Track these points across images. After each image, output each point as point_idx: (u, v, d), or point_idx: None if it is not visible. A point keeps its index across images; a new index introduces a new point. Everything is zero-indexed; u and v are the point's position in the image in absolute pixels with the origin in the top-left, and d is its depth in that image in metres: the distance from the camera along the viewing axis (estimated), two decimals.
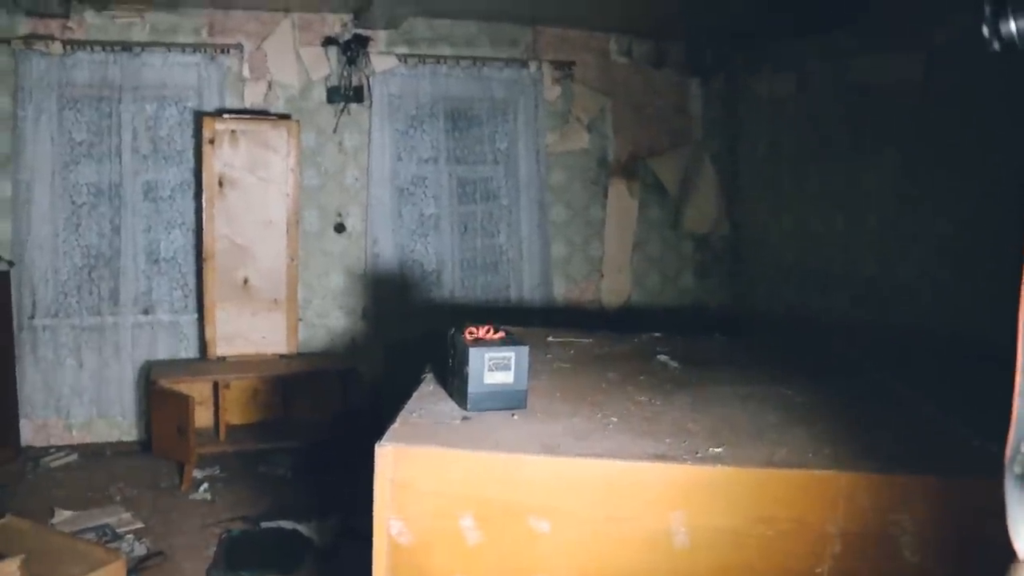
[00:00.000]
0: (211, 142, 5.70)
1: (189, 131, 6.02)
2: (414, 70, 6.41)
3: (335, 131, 6.30)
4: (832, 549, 1.93)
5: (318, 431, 5.58)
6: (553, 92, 6.77)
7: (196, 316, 6.04)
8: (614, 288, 7.08)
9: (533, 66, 6.67)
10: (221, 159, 5.75)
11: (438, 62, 6.45)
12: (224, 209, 5.78)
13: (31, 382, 5.76)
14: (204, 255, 5.79)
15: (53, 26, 5.67)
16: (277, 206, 5.92)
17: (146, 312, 6.00)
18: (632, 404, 2.51)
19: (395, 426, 2.21)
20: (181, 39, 5.93)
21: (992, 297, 4.92)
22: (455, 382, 2.46)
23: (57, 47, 5.64)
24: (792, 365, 3.09)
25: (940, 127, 5.28)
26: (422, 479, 2.05)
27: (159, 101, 5.98)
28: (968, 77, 5.00)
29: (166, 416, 5.27)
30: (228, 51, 6.00)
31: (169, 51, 5.89)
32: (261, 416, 5.82)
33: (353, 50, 6.17)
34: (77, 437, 5.90)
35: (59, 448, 5.77)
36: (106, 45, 5.75)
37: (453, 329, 2.54)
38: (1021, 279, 1.15)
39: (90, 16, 5.75)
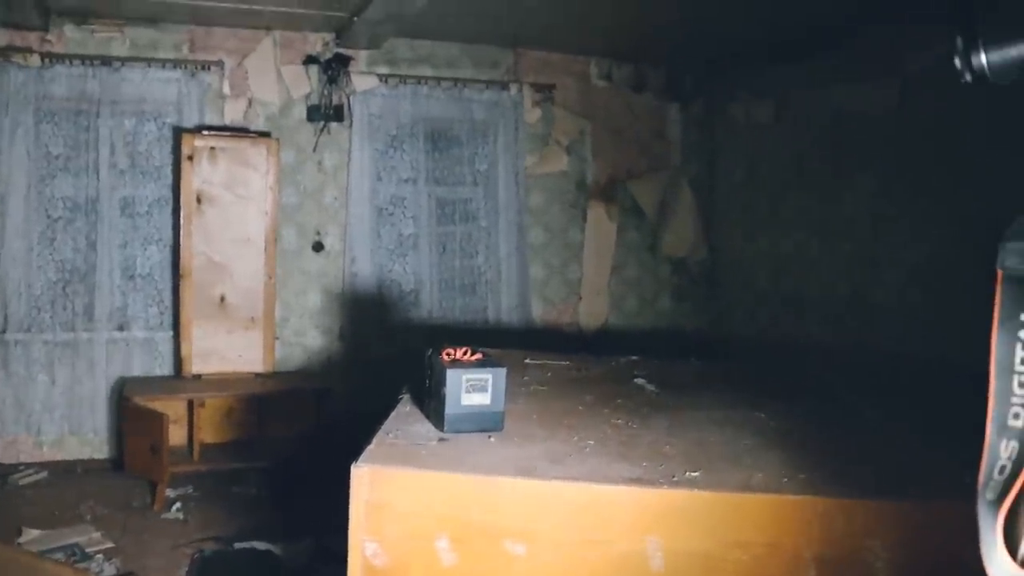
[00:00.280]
0: (190, 158, 5.68)
1: (168, 147, 5.99)
2: (395, 90, 6.42)
3: (315, 150, 6.29)
4: (807, 574, 1.93)
5: (293, 451, 5.54)
6: (533, 115, 6.80)
7: (171, 333, 6.00)
8: (592, 311, 7.10)
9: (514, 88, 6.71)
10: (200, 176, 5.73)
11: (419, 83, 6.47)
12: (202, 226, 5.75)
13: (1, 397, 5.69)
14: (181, 272, 5.75)
15: (31, 38, 5.65)
16: (255, 224, 5.89)
17: (121, 328, 5.95)
18: (609, 427, 2.51)
19: (371, 447, 2.20)
20: (161, 55, 5.92)
21: (965, 322, 4.96)
22: (432, 403, 2.45)
23: (35, 60, 5.62)
24: (767, 389, 3.10)
25: (914, 154, 5.35)
26: (398, 500, 2.04)
27: (138, 116, 5.96)
28: (942, 105, 5.08)
29: (139, 434, 5.22)
30: (209, 68, 6.00)
31: (149, 66, 5.88)
32: (236, 435, 5.77)
33: (334, 69, 6.18)
34: (48, 454, 5.82)
35: (29, 465, 5.69)
36: (85, 59, 5.73)
37: (430, 350, 2.53)
38: (994, 304, 1.16)
39: (69, 30, 5.73)
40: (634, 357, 3.69)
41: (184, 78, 5.95)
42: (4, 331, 5.66)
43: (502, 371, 2.39)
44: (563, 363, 3.47)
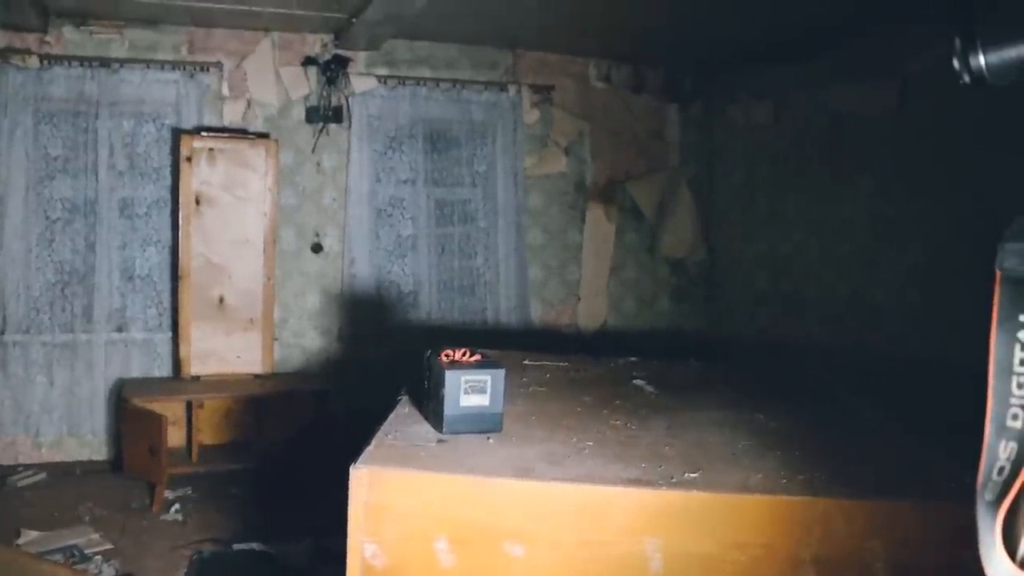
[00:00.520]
0: (189, 160, 5.68)
1: (166, 148, 5.99)
2: (394, 91, 6.42)
3: (313, 151, 6.29)
4: (806, 575, 1.93)
5: (292, 452, 5.53)
6: (532, 116, 6.80)
7: (170, 334, 6.00)
8: (591, 312, 7.10)
9: (512, 89, 6.71)
10: (198, 177, 5.72)
11: (418, 84, 6.48)
12: (200, 227, 5.75)
13: (0, 399, 5.68)
14: (180, 273, 5.75)
15: (30, 40, 5.64)
16: (254, 225, 5.89)
17: (119, 329, 5.95)
18: (607, 428, 2.51)
19: (370, 448, 2.20)
20: (160, 56, 5.92)
21: (964, 322, 4.97)
22: (431, 404, 2.45)
23: (34, 61, 5.62)
24: (767, 390, 3.10)
25: (913, 155, 5.36)
26: (397, 502, 2.04)
27: (137, 117, 5.96)
28: (940, 106, 5.08)
29: (138, 435, 5.22)
30: (208, 69, 6.00)
31: (148, 68, 5.88)
32: (235, 436, 5.77)
33: (333, 70, 6.18)
34: (46, 455, 5.82)
35: (27, 466, 5.69)
36: (84, 60, 5.73)
37: (429, 351, 2.53)
38: (992, 304, 1.16)
39: (68, 31, 5.73)
40: (633, 358, 3.69)
41: (183, 79, 5.95)
42: (3, 332, 5.66)
43: (501, 372, 2.39)
44: (562, 364, 3.47)
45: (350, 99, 6.30)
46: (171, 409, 5.43)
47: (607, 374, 3.34)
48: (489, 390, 2.36)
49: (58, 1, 5.38)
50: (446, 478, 2.05)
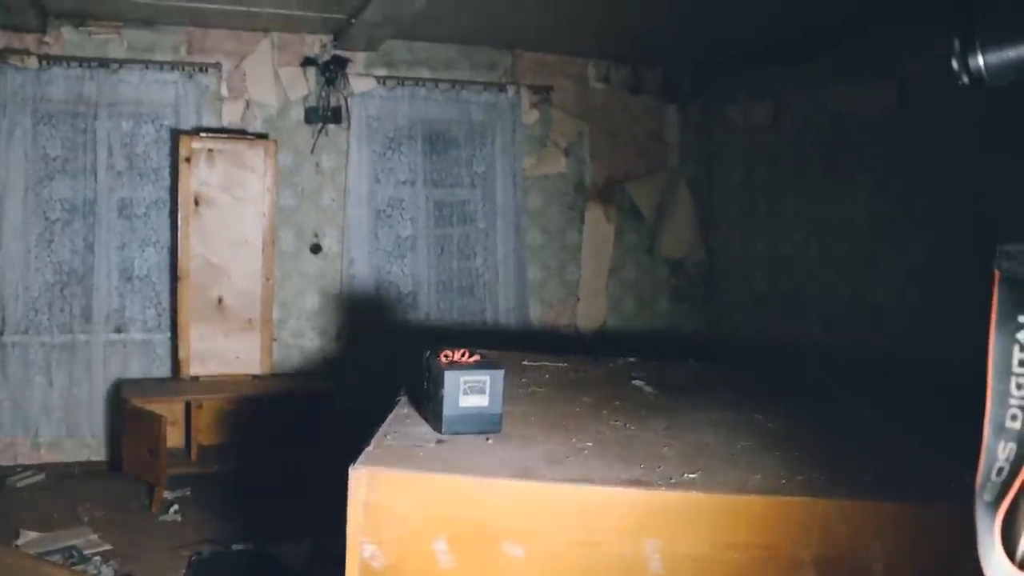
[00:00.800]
0: (187, 160, 5.68)
1: (165, 149, 5.99)
2: (393, 92, 6.42)
3: (312, 151, 6.29)
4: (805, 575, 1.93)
5: (291, 452, 5.54)
6: (531, 116, 6.80)
7: (169, 335, 5.99)
8: (590, 312, 7.10)
9: (511, 90, 6.71)
10: (197, 178, 5.73)
11: (417, 85, 6.47)
12: (199, 228, 5.75)
13: None
14: (179, 274, 5.75)
15: (29, 40, 5.64)
16: (253, 226, 5.89)
17: (118, 330, 5.95)
18: (607, 429, 2.51)
19: (369, 449, 2.20)
20: (159, 56, 5.92)
21: (963, 322, 4.97)
22: (430, 405, 2.45)
23: (33, 61, 5.62)
24: (766, 390, 3.10)
25: (912, 155, 5.36)
26: (396, 502, 2.04)
27: (135, 118, 5.96)
28: (940, 107, 5.09)
29: (137, 436, 5.21)
30: (206, 69, 6.00)
31: (147, 68, 5.87)
32: (233, 437, 5.77)
33: (332, 71, 6.18)
34: (45, 456, 5.82)
35: (26, 467, 5.69)
36: (83, 61, 5.73)
37: (428, 352, 2.53)
38: (991, 305, 1.16)
39: (67, 31, 5.73)
40: (632, 359, 3.69)
41: (182, 80, 5.95)
42: (1, 333, 5.66)
43: (500, 373, 2.39)
44: (561, 365, 3.47)
45: (349, 100, 6.30)
46: (170, 410, 5.42)
47: (606, 374, 3.34)
48: (488, 391, 2.36)
49: (57, 2, 5.38)
50: (445, 479, 2.05)
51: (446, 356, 2.45)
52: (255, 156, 5.87)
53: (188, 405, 5.55)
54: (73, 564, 4.21)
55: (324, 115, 6.23)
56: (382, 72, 6.41)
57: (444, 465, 2.12)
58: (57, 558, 4.28)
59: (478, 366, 2.41)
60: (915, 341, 5.34)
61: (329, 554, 4.15)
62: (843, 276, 5.96)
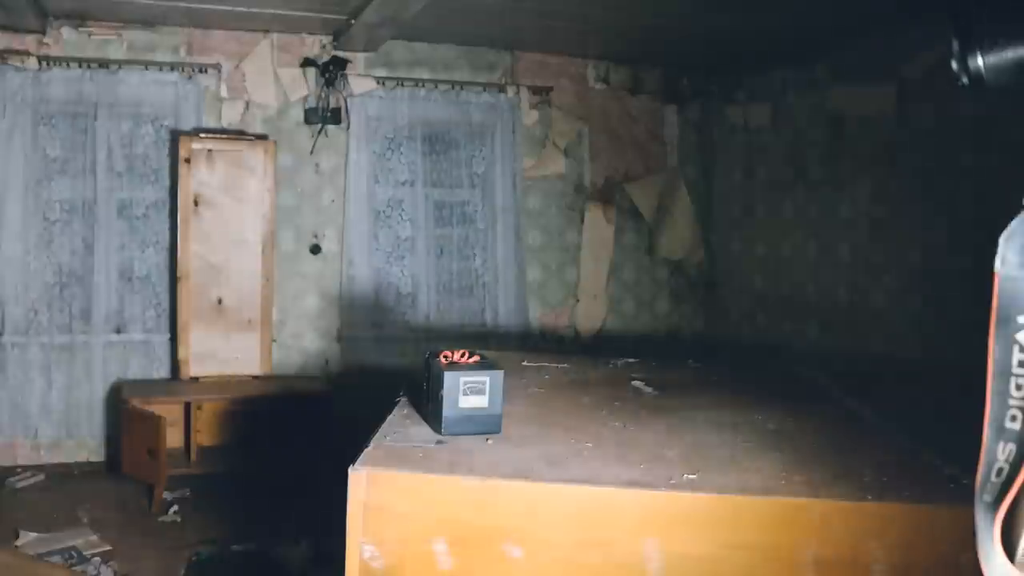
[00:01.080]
0: (187, 161, 5.68)
1: (165, 150, 5.99)
2: (392, 93, 6.42)
3: (312, 152, 6.29)
4: None
5: (290, 453, 5.53)
6: (531, 117, 6.80)
7: (168, 336, 5.99)
8: (589, 313, 7.09)
9: (511, 91, 6.71)
10: (197, 178, 5.72)
11: (416, 85, 6.47)
12: (199, 228, 5.75)
13: None
14: (178, 274, 5.75)
15: (28, 41, 5.64)
16: (253, 226, 5.89)
17: (118, 331, 5.94)
18: (606, 430, 2.51)
19: (369, 449, 2.20)
20: (159, 57, 5.92)
21: (962, 324, 4.98)
22: (430, 406, 2.45)
23: (32, 62, 5.62)
24: (765, 392, 3.10)
25: (912, 158, 5.36)
26: (395, 503, 2.04)
27: (135, 119, 5.95)
28: (939, 109, 5.09)
29: (137, 437, 5.21)
30: (206, 70, 6.00)
31: (146, 69, 5.87)
32: (233, 438, 5.76)
33: (332, 72, 6.18)
34: (45, 457, 5.81)
35: (26, 468, 5.68)
36: (82, 62, 5.73)
37: (428, 352, 2.53)
38: (991, 307, 1.16)
39: (67, 32, 5.73)
40: (632, 359, 3.69)
41: (181, 81, 5.95)
42: (1, 334, 5.65)
43: (499, 373, 2.39)
44: (561, 365, 3.47)
45: (349, 100, 6.30)
46: (169, 410, 5.42)
47: (606, 375, 3.34)
48: (488, 391, 2.37)
49: (57, 2, 5.38)
50: (445, 479, 2.06)
51: (446, 357, 2.45)
52: (255, 157, 5.86)
53: (188, 406, 5.54)
54: (73, 565, 4.21)
55: (324, 116, 6.23)
56: (382, 73, 6.41)
57: (444, 466, 2.12)
58: (57, 559, 4.28)
59: (478, 367, 2.41)
60: (914, 342, 5.34)
61: (329, 555, 4.15)
62: (842, 277, 5.96)
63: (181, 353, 5.77)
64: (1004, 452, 1.15)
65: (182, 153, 5.68)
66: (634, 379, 3.24)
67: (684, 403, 2.89)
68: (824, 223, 6.12)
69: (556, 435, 2.43)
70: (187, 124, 5.94)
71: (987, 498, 1.16)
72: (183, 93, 5.95)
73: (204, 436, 5.65)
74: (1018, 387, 1.14)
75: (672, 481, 2.05)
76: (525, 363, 3.45)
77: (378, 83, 6.37)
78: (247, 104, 6.14)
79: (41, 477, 5.60)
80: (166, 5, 5.39)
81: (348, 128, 6.32)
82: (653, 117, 7.21)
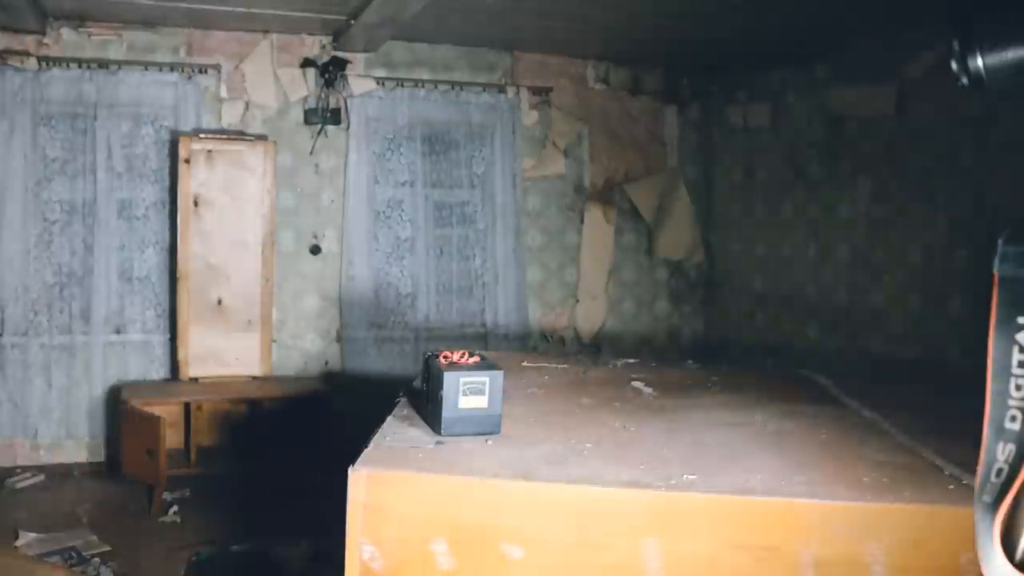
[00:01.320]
0: (187, 162, 5.68)
1: (165, 150, 5.99)
2: (392, 93, 6.42)
3: (312, 153, 6.29)
4: None
5: (290, 454, 5.53)
6: (530, 117, 6.80)
7: (168, 336, 5.99)
8: (589, 314, 7.09)
9: (511, 91, 6.71)
10: (197, 179, 5.73)
11: (416, 86, 6.48)
12: (199, 229, 5.75)
13: None
14: (178, 275, 5.75)
15: (28, 42, 5.64)
16: (252, 227, 5.89)
17: (117, 331, 5.94)
18: (606, 430, 2.51)
19: (368, 450, 2.20)
20: (159, 58, 5.92)
21: (962, 325, 4.98)
22: (429, 406, 2.45)
23: (32, 63, 5.62)
24: (765, 392, 3.10)
25: (912, 158, 5.36)
26: (395, 504, 2.04)
27: (135, 119, 5.96)
28: (938, 110, 5.09)
29: (136, 437, 5.21)
30: (206, 71, 6.00)
31: (146, 70, 5.88)
32: (233, 438, 5.76)
33: (331, 72, 6.18)
34: (44, 457, 5.81)
35: (25, 468, 5.68)
36: (82, 62, 5.73)
37: (428, 353, 2.53)
38: (990, 307, 1.17)
39: (66, 33, 5.73)
40: (631, 360, 3.69)
41: (181, 81, 5.95)
42: (1, 334, 5.65)
43: (499, 374, 2.39)
44: (560, 366, 3.47)
45: (348, 101, 6.30)
46: (169, 411, 5.42)
47: (605, 376, 3.34)
48: (488, 392, 2.36)
49: (57, 3, 5.38)
50: (445, 480, 2.05)
51: (445, 357, 2.45)
52: (254, 157, 5.87)
53: (187, 406, 5.54)
54: (72, 565, 4.21)
55: (323, 116, 6.23)
56: (381, 73, 6.41)
57: (443, 466, 2.12)
58: (56, 559, 4.28)
59: (477, 367, 2.40)
60: (914, 343, 5.34)
61: (328, 555, 4.15)
62: (842, 278, 5.96)
63: (181, 354, 5.77)
64: (1004, 452, 1.15)
65: (182, 153, 5.68)
66: (634, 379, 3.24)
67: (684, 403, 2.89)
68: (824, 223, 6.12)
69: (556, 435, 2.43)
70: (187, 124, 5.94)
71: (987, 498, 1.16)
72: (183, 93, 5.95)
73: (204, 437, 5.65)
74: (1018, 387, 1.14)
75: (672, 481, 2.05)
76: (525, 363, 3.45)
77: (378, 83, 6.37)
78: (247, 104, 6.14)
79: (41, 478, 5.60)
80: (166, 6, 5.39)
81: (348, 128, 6.32)
82: (653, 117, 7.21)
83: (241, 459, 5.57)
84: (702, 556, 1.95)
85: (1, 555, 3.76)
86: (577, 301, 7.08)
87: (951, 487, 2.05)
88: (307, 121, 6.25)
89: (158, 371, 6.02)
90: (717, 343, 7.27)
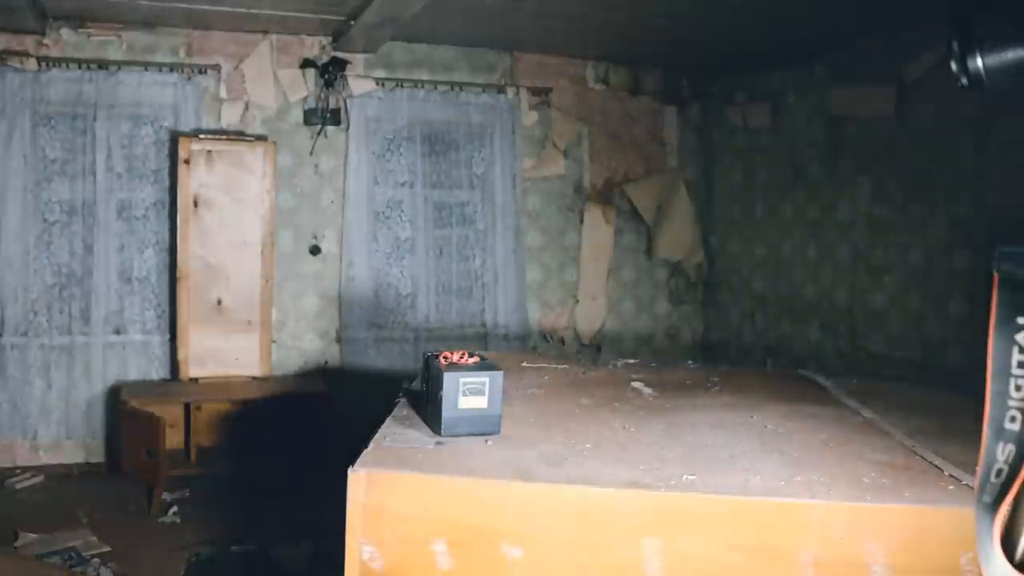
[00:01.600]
0: (187, 162, 5.68)
1: (164, 151, 5.99)
2: (392, 94, 6.42)
3: (311, 153, 6.29)
4: None
5: (290, 454, 5.53)
6: (530, 118, 6.80)
7: (168, 336, 5.99)
8: (589, 314, 7.09)
9: (510, 92, 6.71)
10: (197, 179, 5.73)
11: (416, 86, 6.47)
12: (199, 229, 5.75)
13: None
14: (178, 275, 5.75)
15: (28, 42, 5.64)
16: (252, 227, 5.89)
17: (117, 332, 5.94)
18: (606, 430, 2.51)
19: (368, 450, 2.20)
20: (158, 58, 5.92)
21: (962, 325, 4.98)
22: (429, 407, 2.45)
23: (32, 63, 5.62)
24: (765, 392, 3.10)
25: (911, 159, 5.37)
26: (395, 504, 2.04)
27: (134, 120, 5.95)
28: (938, 110, 5.09)
29: (136, 438, 5.21)
30: (206, 71, 6.00)
31: (146, 70, 5.87)
32: (232, 438, 5.76)
33: (331, 73, 6.18)
34: (44, 458, 5.81)
35: (25, 469, 5.68)
36: (82, 63, 5.73)
37: (428, 353, 2.53)
38: (990, 307, 1.17)
39: (66, 33, 5.73)
40: (631, 360, 3.69)
41: (181, 82, 5.95)
42: (0, 335, 5.65)
43: (499, 374, 2.39)
44: (560, 366, 3.47)
45: (348, 101, 6.30)
46: (169, 411, 5.41)
47: (605, 376, 3.34)
48: (487, 392, 2.36)
49: (56, 3, 5.38)
50: (444, 480, 2.05)
51: (445, 357, 2.45)
52: (254, 158, 5.87)
53: (187, 407, 5.54)
54: (72, 566, 4.21)
55: (323, 117, 6.23)
56: (381, 74, 6.41)
57: (443, 467, 2.12)
58: (56, 560, 4.28)
59: (477, 368, 2.41)
60: (914, 342, 5.34)
61: (328, 556, 4.15)
62: (841, 278, 5.96)
63: (180, 354, 5.77)
64: (1003, 453, 1.15)
65: (182, 154, 5.68)
66: (633, 380, 3.24)
67: (684, 403, 2.89)
68: (823, 224, 6.12)
69: (555, 436, 2.43)
70: (187, 125, 5.94)
71: (987, 499, 1.16)
72: (183, 94, 5.95)
73: (203, 437, 5.65)
74: (1017, 388, 1.14)
75: (672, 482, 2.05)
76: (524, 364, 3.45)
77: (377, 84, 6.37)
78: (247, 105, 6.14)
79: (40, 478, 5.59)
80: (166, 6, 5.39)
81: (347, 129, 6.32)
82: (653, 118, 7.21)
83: (241, 459, 5.57)
84: (702, 556, 1.95)
85: (1, 556, 3.76)
86: (577, 301, 7.08)
87: (951, 487, 2.05)
88: (307, 122, 6.25)
89: (158, 371, 6.02)
90: (717, 343, 7.27)
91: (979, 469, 1.18)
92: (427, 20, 5.51)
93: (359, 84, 6.32)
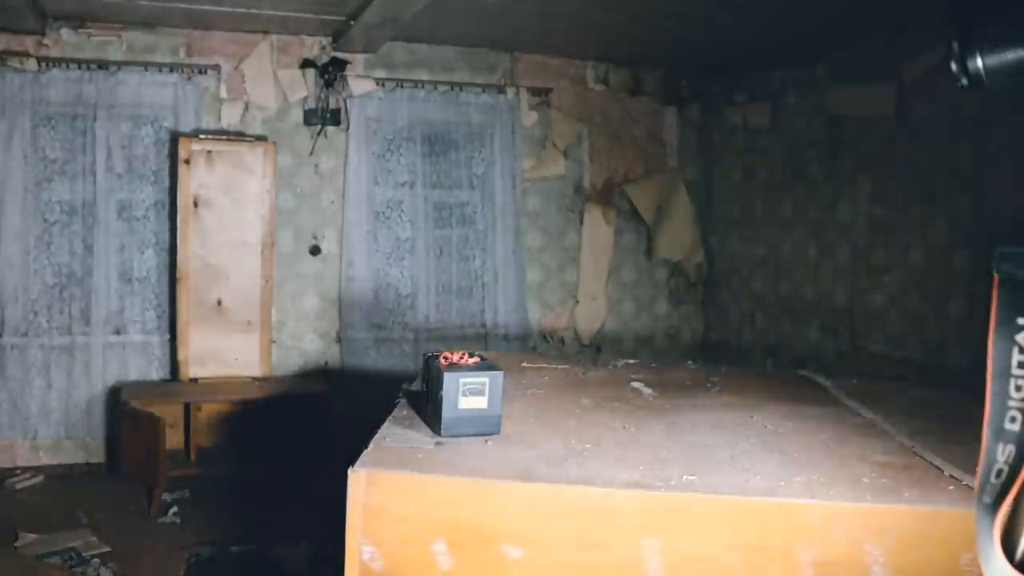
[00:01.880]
0: (187, 162, 5.68)
1: (164, 151, 5.99)
2: (392, 94, 6.42)
3: (311, 153, 6.29)
4: None
5: (290, 454, 5.53)
6: (530, 118, 6.80)
7: (168, 337, 5.99)
8: (589, 314, 7.09)
9: (510, 92, 6.71)
10: (197, 179, 5.73)
11: (416, 86, 6.47)
12: (199, 230, 5.75)
13: None
14: (178, 275, 5.75)
15: (28, 43, 5.64)
16: (252, 227, 5.89)
17: (117, 332, 5.94)
18: (606, 431, 2.51)
19: (368, 451, 2.20)
20: (158, 58, 5.92)
21: (962, 326, 4.98)
22: (429, 407, 2.44)
23: (32, 64, 5.61)
24: (764, 392, 3.10)
25: (911, 159, 5.37)
26: (395, 504, 2.04)
27: (134, 120, 5.96)
28: (938, 110, 5.10)
29: (136, 438, 5.21)
30: (205, 71, 6.00)
31: (146, 70, 5.87)
32: (232, 439, 5.76)
33: (331, 73, 6.18)
34: (44, 458, 5.81)
35: (25, 469, 5.68)
36: (82, 63, 5.73)
37: (428, 354, 2.53)
38: (990, 307, 1.17)
39: (66, 33, 5.73)
40: (631, 360, 3.69)
41: (181, 82, 5.95)
42: (0, 335, 5.65)
43: (499, 375, 2.39)
44: (560, 366, 3.47)
45: (348, 102, 6.30)
46: (169, 412, 5.42)
47: (605, 376, 3.34)
48: (487, 392, 2.36)
49: (56, 4, 5.38)
50: (444, 480, 2.05)
51: (445, 358, 2.45)
52: (254, 158, 5.87)
53: (187, 407, 5.54)
54: (72, 566, 4.21)
55: (323, 117, 6.23)
56: (381, 74, 6.41)
57: (443, 467, 2.11)
58: (56, 560, 4.28)
59: (477, 368, 2.40)
60: (913, 344, 5.34)
61: (328, 556, 4.15)
62: (841, 278, 5.96)
63: (180, 354, 5.77)
64: (1003, 453, 1.15)
65: (181, 154, 5.68)
66: (633, 380, 3.24)
67: (684, 404, 2.89)
68: (823, 224, 6.13)
69: (555, 436, 2.43)
70: (186, 125, 5.94)
71: (987, 499, 1.16)
72: (182, 94, 5.95)
73: (203, 437, 5.65)
74: (1017, 388, 1.14)
75: (671, 482, 2.05)
76: (524, 364, 3.45)
77: (377, 84, 6.37)
78: (246, 105, 6.14)
79: (40, 478, 5.59)
80: (166, 6, 5.39)
81: (347, 129, 6.32)
82: (653, 118, 7.21)
83: (241, 459, 5.57)
84: (702, 556, 1.95)
85: (1, 556, 3.76)
86: (577, 302, 7.08)
87: (951, 488, 2.05)
88: (307, 122, 6.25)
89: (158, 372, 6.02)
90: (717, 343, 7.27)
91: (979, 469, 1.18)
92: (427, 20, 5.51)
93: (359, 84, 6.32)
